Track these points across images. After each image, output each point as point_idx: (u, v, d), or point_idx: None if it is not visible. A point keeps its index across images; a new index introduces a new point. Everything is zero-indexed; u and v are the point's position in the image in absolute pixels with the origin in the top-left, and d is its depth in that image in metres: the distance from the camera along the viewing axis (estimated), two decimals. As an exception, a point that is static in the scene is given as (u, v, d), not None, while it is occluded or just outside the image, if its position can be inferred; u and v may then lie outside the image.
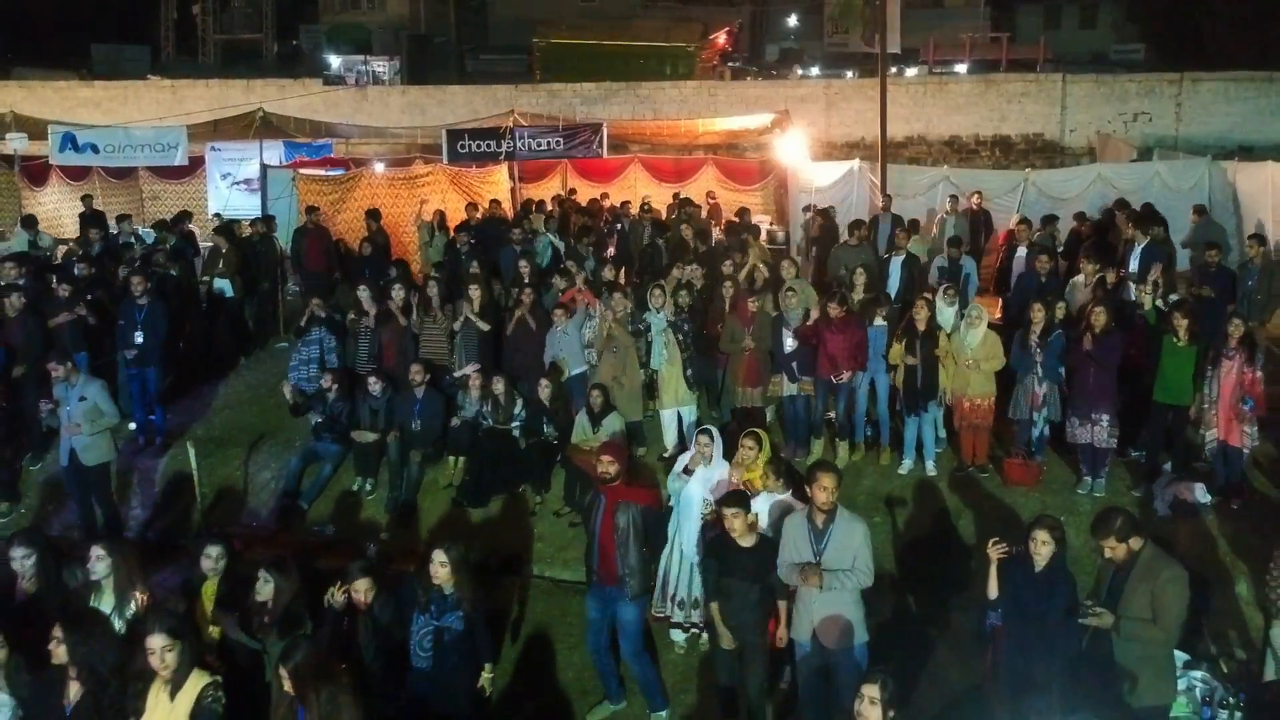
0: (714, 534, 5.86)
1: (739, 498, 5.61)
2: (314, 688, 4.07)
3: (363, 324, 9.66)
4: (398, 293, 9.61)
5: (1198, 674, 5.66)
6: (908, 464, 8.68)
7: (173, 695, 4.16)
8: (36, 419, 8.53)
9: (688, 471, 6.48)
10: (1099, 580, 5.15)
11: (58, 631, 4.22)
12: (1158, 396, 7.97)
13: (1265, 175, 15.21)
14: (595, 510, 5.96)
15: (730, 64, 33.35)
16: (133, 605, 5.00)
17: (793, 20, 41.88)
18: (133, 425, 9.68)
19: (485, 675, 5.45)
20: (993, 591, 5.20)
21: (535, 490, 8.78)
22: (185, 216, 14.25)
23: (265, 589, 5.12)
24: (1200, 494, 7.70)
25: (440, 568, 5.22)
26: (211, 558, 5.52)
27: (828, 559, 5.30)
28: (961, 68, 32.01)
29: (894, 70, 30.57)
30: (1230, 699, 5.41)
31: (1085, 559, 6.79)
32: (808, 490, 5.49)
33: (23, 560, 5.19)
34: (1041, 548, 5.00)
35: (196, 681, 4.19)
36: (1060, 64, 30.37)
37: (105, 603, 5.03)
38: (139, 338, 9.18)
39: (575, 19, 36.75)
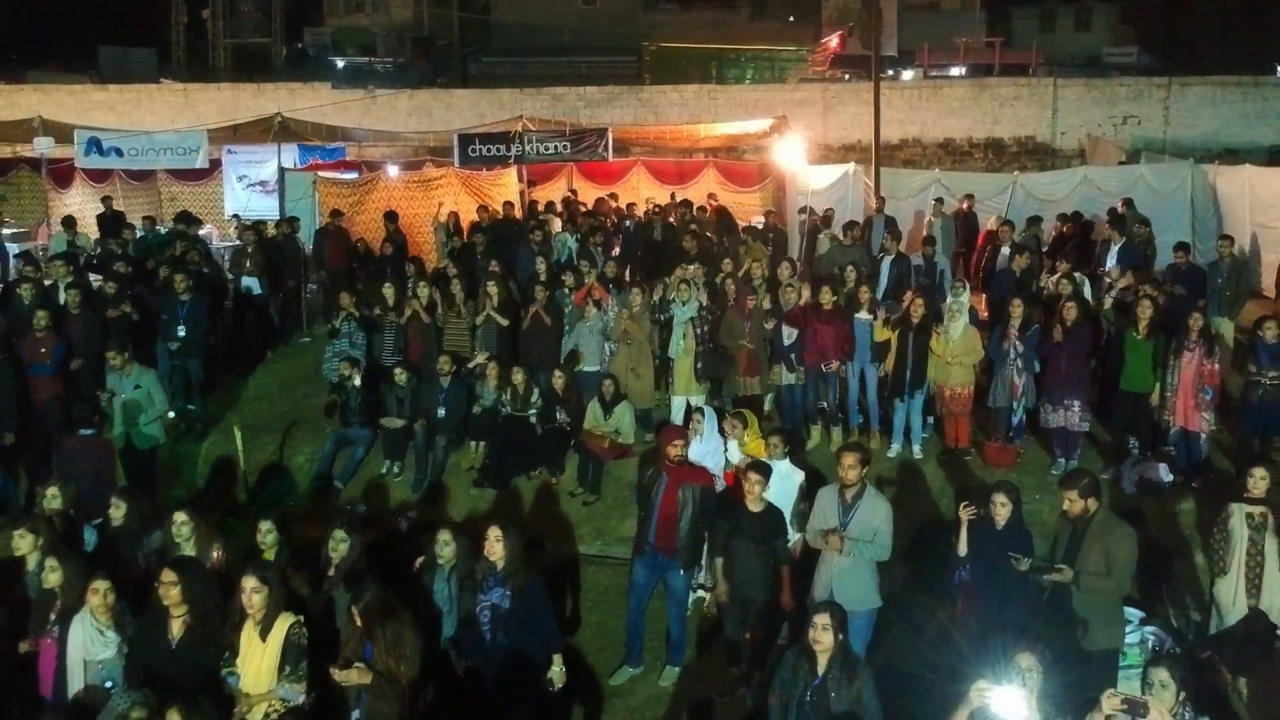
0: (725, 498, 6.53)
1: (762, 467, 6.32)
2: (380, 624, 4.74)
3: (388, 319, 10.34)
4: (423, 290, 10.30)
5: (1150, 629, 6.36)
6: (896, 447, 9.37)
7: (263, 635, 4.84)
8: (95, 408, 9.19)
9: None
10: (1056, 540, 5.86)
11: (168, 575, 4.90)
12: (1123, 385, 8.67)
13: (1243, 178, 15.94)
14: (657, 487, 6.55)
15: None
16: (210, 562, 5.68)
17: (790, 20, 42.49)
18: (172, 414, 10.34)
19: (554, 668, 5.55)
20: (962, 549, 5.91)
21: (551, 473, 9.46)
22: (186, 218, 14.78)
23: (341, 547, 5.75)
24: (1164, 474, 8.40)
25: (495, 543, 5.49)
26: (262, 531, 6.12)
27: (852, 529, 5.98)
28: (958, 70, 32.64)
29: (889, 73, 31.27)
30: (1176, 649, 6.09)
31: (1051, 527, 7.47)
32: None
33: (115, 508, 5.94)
34: (1000, 509, 5.74)
35: (284, 622, 4.87)
36: (1053, 67, 31.07)
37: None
38: (181, 331, 9.87)
39: (679, 26, 37.14)
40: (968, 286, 9.88)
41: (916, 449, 9.34)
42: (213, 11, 37.31)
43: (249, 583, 4.83)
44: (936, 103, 26.49)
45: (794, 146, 17.11)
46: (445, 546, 5.71)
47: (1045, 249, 12.67)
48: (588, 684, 6.66)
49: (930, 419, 9.62)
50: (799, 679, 4.73)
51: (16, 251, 13.28)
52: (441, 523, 6.45)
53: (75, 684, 4.98)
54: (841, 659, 4.69)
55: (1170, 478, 8.39)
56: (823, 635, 4.66)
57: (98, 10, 39.06)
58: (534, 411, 9.62)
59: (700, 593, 7.45)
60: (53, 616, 5.20)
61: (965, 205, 14.49)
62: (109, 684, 4.91)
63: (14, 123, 20.04)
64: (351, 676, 4.69)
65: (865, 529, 5.95)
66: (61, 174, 18.65)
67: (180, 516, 5.81)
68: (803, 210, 15.10)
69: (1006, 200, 15.90)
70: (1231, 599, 6.11)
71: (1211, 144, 24.54)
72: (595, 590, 7.64)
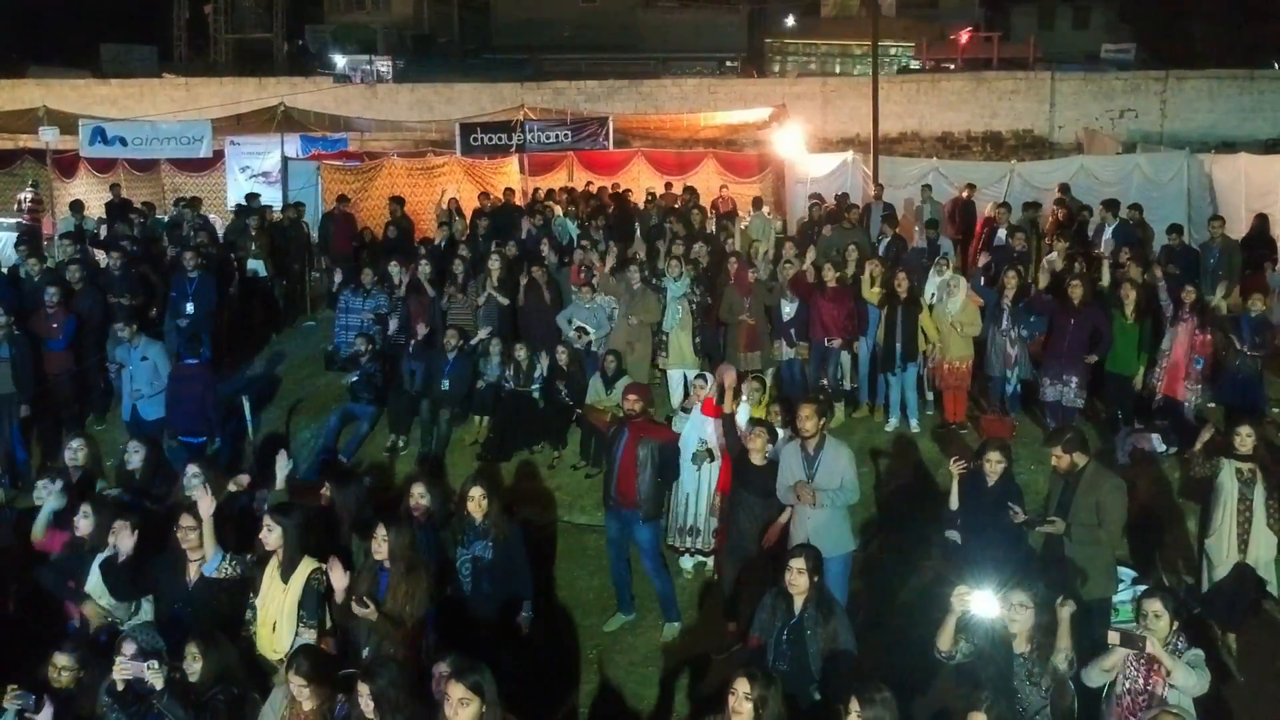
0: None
1: (767, 426, 6.54)
2: (402, 558, 4.89)
3: (394, 296, 10.48)
4: (424, 267, 10.45)
5: (1142, 588, 6.49)
6: (893, 422, 9.51)
7: (285, 577, 4.99)
8: (99, 381, 9.34)
9: (685, 409, 7.32)
10: (1049, 495, 6.00)
11: (186, 520, 5.06)
12: (1109, 367, 8.87)
13: (1238, 167, 16.12)
14: (618, 442, 6.77)
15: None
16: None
17: (790, 21, 42.70)
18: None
19: (524, 613, 5.79)
20: (954, 503, 6.07)
21: (553, 446, 9.58)
22: (192, 202, 14.93)
23: (333, 494, 6.02)
24: (1156, 444, 8.54)
25: (471, 500, 5.80)
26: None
27: (819, 480, 6.14)
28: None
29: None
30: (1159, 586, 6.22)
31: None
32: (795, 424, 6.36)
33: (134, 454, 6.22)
34: (996, 466, 5.88)
35: (306, 567, 5.03)
36: (1051, 62, 31.23)
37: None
38: (190, 308, 10.01)
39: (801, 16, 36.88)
40: (952, 262, 10.04)
41: (914, 423, 9.48)
42: (214, 7, 37.45)
43: (269, 519, 4.98)
44: (935, 96, 26.69)
45: (793, 135, 17.26)
46: (422, 498, 5.89)
47: (1042, 235, 12.82)
48: (583, 639, 6.91)
49: (930, 395, 9.78)
50: (777, 620, 4.91)
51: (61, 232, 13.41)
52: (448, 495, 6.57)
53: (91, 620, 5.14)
54: (817, 600, 4.86)
55: (1163, 448, 8.53)
56: (798, 578, 4.83)
57: (99, 8, 39.19)
58: (536, 387, 9.77)
59: (700, 559, 7.59)
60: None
61: (965, 193, 14.63)
62: (117, 624, 5.07)
63: (18, 112, 20.18)
64: (371, 615, 4.82)
65: (831, 477, 6.11)
66: (66, 164, 18.79)
67: (193, 469, 5.98)
68: (815, 197, 15.16)
69: (1004, 189, 16.05)
70: (1223, 554, 6.25)
71: (1208, 137, 24.70)
72: (597, 556, 7.78)
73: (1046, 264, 10.37)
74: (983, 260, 11.09)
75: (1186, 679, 4.29)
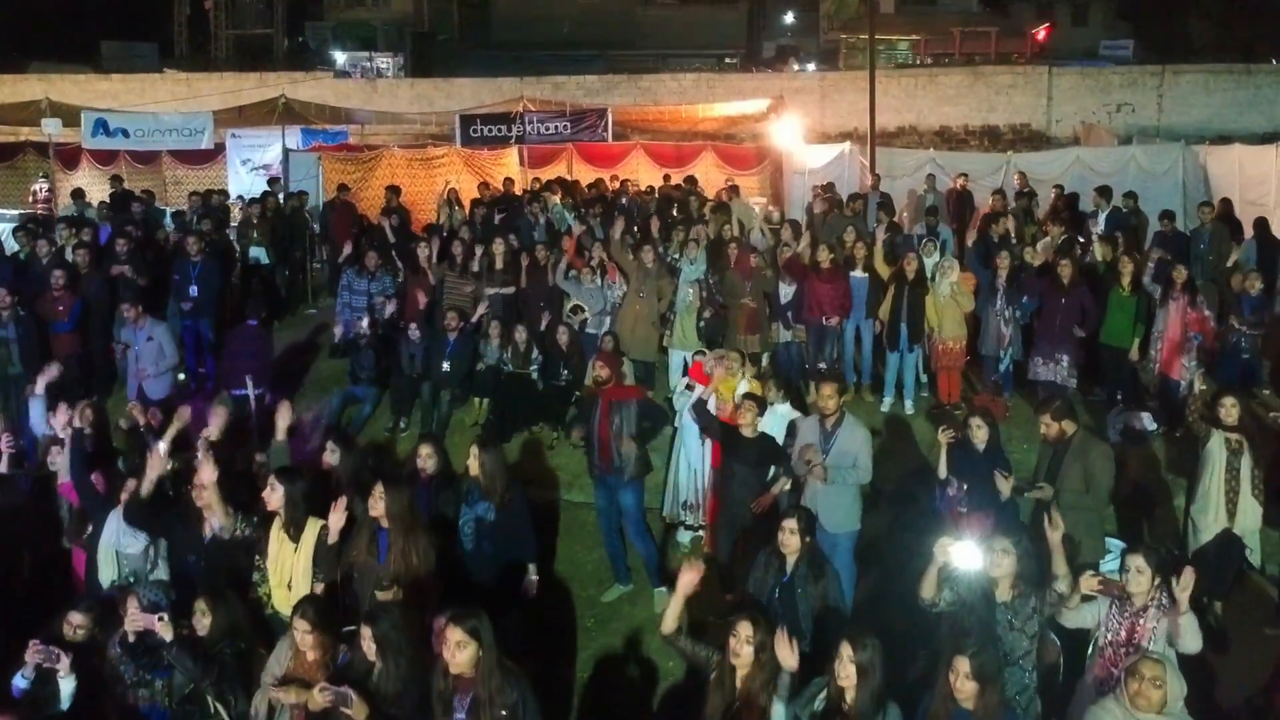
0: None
1: (755, 398, 6.71)
2: (399, 517, 5.02)
3: (396, 279, 10.62)
4: (422, 250, 10.59)
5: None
6: (888, 402, 9.66)
7: (294, 538, 5.13)
8: (104, 361, 9.46)
9: (689, 388, 7.45)
10: (1039, 462, 6.13)
11: (199, 480, 5.19)
12: (1103, 339, 9.03)
13: (1233, 157, 16.28)
14: (593, 412, 6.94)
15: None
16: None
17: (789, 18, 42.89)
18: (181, 376, 10.59)
19: (530, 576, 5.99)
20: (942, 471, 6.20)
21: (552, 428, 9.72)
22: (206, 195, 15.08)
23: (333, 458, 6.18)
24: (1147, 422, 8.68)
25: (474, 460, 5.94)
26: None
27: (832, 457, 6.27)
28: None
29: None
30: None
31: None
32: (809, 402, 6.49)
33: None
34: (978, 432, 6.02)
35: (314, 526, 5.17)
36: (1049, 57, 31.33)
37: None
38: (194, 291, 10.13)
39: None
40: (940, 246, 10.19)
41: (909, 404, 9.61)
42: (215, 3, 37.57)
43: (273, 480, 5.12)
44: (933, 90, 26.77)
45: (791, 127, 17.38)
46: (429, 459, 6.02)
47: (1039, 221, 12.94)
48: (582, 609, 7.08)
49: (925, 377, 9.91)
50: (769, 578, 5.02)
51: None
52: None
53: (106, 573, 5.28)
54: (809, 559, 4.98)
55: (1154, 426, 8.68)
56: (790, 538, 4.95)
57: (99, 5, 39.32)
58: (535, 369, 9.89)
59: (697, 532, 7.72)
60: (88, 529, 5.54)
61: (959, 183, 14.74)
62: (132, 579, 5.20)
63: (21, 105, 20.36)
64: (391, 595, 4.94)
65: (845, 455, 6.23)
66: (68, 156, 18.93)
67: (202, 441, 6.13)
68: (827, 188, 15.21)
69: (1000, 180, 16.17)
70: (1210, 521, 6.37)
71: (1204, 130, 24.73)
72: (595, 532, 7.86)
73: (1040, 248, 10.52)
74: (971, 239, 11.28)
75: (1191, 636, 4.36)
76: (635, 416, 6.85)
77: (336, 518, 5.01)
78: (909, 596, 6.13)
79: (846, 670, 4.00)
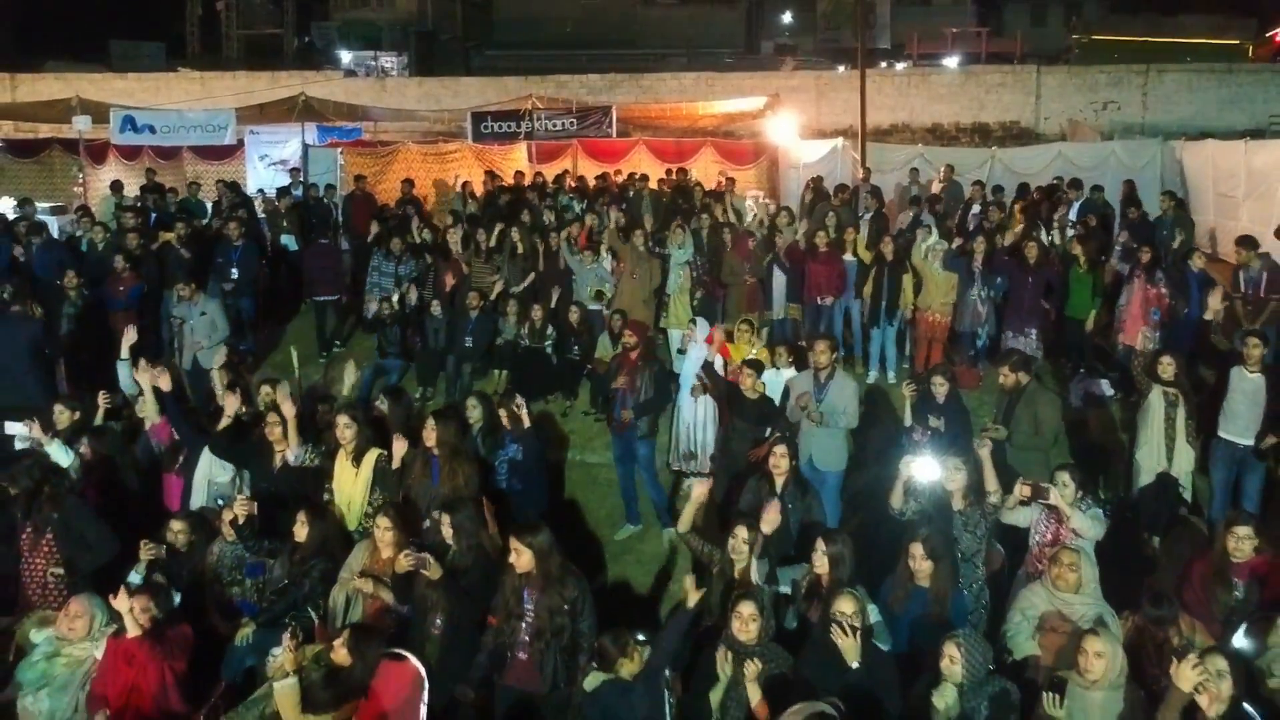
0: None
1: (755, 364, 7.61)
2: (447, 444, 5.92)
3: (421, 261, 11.55)
4: (451, 237, 11.49)
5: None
6: (873, 374, 10.56)
7: (356, 463, 6.03)
8: (156, 336, 10.38)
9: (681, 351, 8.36)
10: (998, 408, 7.03)
11: (273, 417, 6.10)
12: (1067, 313, 10.04)
13: (1206, 152, 17.14)
14: (618, 372, 7.85)
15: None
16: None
17: (787, 17, 43.78)
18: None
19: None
20: (907, 419, 7.11)
21: (565, 397, 10.64)
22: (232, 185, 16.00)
23: (384, 408, 7.14)
24: (1105, 388, 9.58)
25: (509, 411, 6.96)
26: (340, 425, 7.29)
27: (825, 405, 7.17)
28: (951, 61, 33.75)
29: (883, 65, 32.47)
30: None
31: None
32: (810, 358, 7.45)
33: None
34: (938, 388, 6.94)
35: (373, 454, 6.07)
36: (1038, 57, 32.19)
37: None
38: (235, 273, 11.03)
39: (1105, 13, 37.31)
40: (935, 230, 11.07)
41: (891, 375, 10.51)
42: (226, 3, 38.42)
43: (341, 419, 6.01)
44: (925, 89, 27.64)
45: (787, 123, 18.27)
46: (474, 410, 6.93)
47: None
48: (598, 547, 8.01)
49: (908, 350, 10.80)
50: (760, 499, 5.91)
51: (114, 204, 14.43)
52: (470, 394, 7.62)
53: (198, 500, 6.19)
54: (795, 480, 5.88)
55: (1111, 392, 9.57)
56: (781, 461, 5.86)
57: (108, 6, 40.12)
58: (549, 344, 10.80)
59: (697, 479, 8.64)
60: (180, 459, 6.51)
61: (945, 175, 15.60)
62: (220, 501, 6.11)
63: (50, 103, 21.21)
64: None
65: (836, 403, 7.12)
66: (96, 151, 19.80)
67: (265, 389, 7.04)
68: (816, 180, 15.99)
69: (986, 174, 17.06)
70: (1151, 463, 7.25)
71: (1188, 128, 25.54)
72: (607, 485, 8.80)
73: (1011, 235, 11.41)
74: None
75: (1083, 523, 5.32)
76: (657, 379, 7.76)
77: (400, 445, 5.92)
78: (886, 533, 7.08)
79: (821, 561, 4.90)
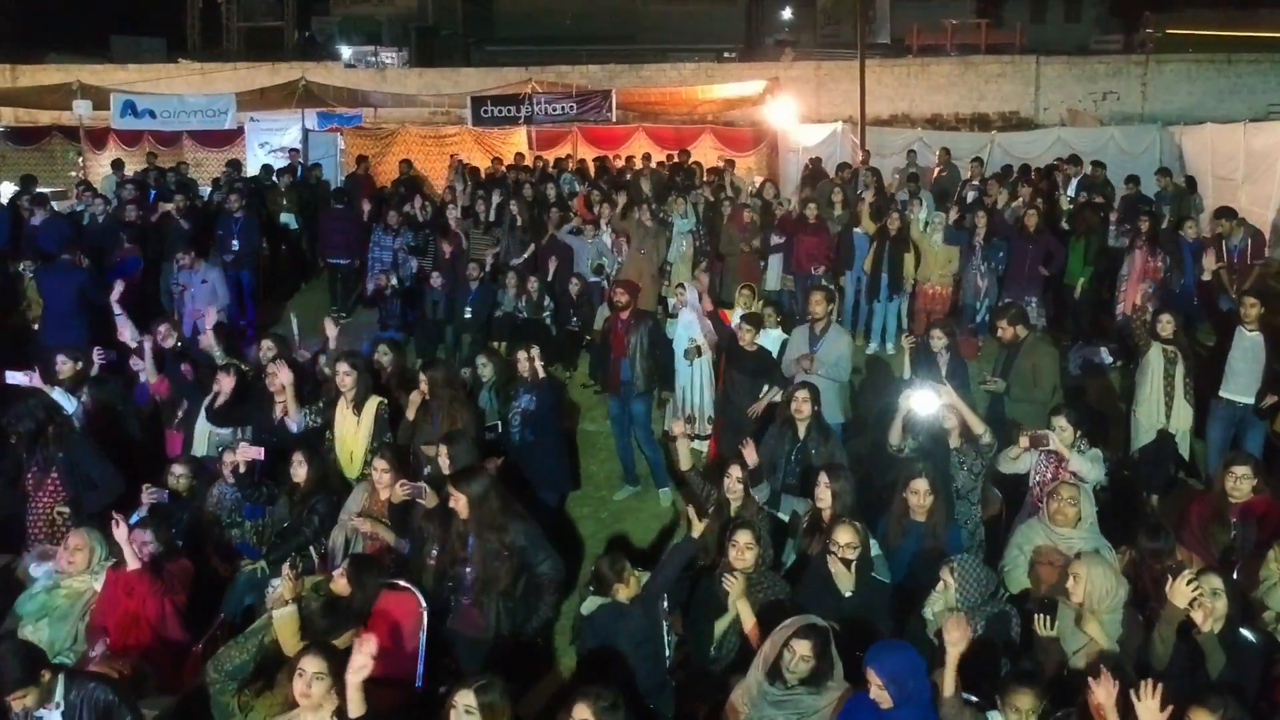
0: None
1: (754, 318, 7.65)
2: (447, 387, 5.95)
3: (421, 233, 11.59)
4: (451, 212, 11.52)
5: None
6: (873, 345, 10.59)
7: (356, 410, 6.07)
8: (157, 306, 10.42)
9: (672, 315, 8.42)
10: (997, 361, 7.05)
11: (276, 368, 6.12)
12: (1065, 280, 10.17)
13: (1205, 137, 17.17)
14: (611, 331, 7.87)
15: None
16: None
17: (787, 13, 43.82)
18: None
19: None
20: (905, 372, 7.15)
21: (565, 368, 10.66)
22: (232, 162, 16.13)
23: (385, 359, 7.12)
24: (1104, 356, 9.60)
25: (524, 361, 7.03)
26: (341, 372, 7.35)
27: (819, 356, 7.20)
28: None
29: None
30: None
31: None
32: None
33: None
34: (937, 342, 6.96)
35: (373, 402, 6.11)
36: (1039, 50, 32.18)
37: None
38: (236, 245, 11.07)
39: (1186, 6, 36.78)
40: (931, 203, 11.11)
41: (889, 347, 10.54)
42: (226, -3, 38.48)
43: (341, 366, 6.04)
44: (924, 80, 27.65)
45: (786, 107, 18.30)
46: (485, 367, 6.95)
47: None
48: (597, 506, 8.07)
49: (907, 324, 10.81)
50: (784, 444, 5.93)
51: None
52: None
53: (199, 450, 6.22)
54: (816, 425, 5.89)
55: (1110, 359, 9.60)
56: (803, 405, 5.88)
57: (107, 1, 40.13)
58: (548, 315, 10.82)
59: (698, 443, 8.65)
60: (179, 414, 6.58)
61: (942, 157, 15.65)
62: (221, 448, 6.14)
63: (51, 87, 21.26)
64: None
65: (829, 355, 7.16)
66: (96, 137, 19.86)
67: (266, 343, 7.06)
68: (814, 161, 16.00)
69: (985, 158, 17.08)
70: (1151, 420, 7.27)
71: (1187, 118, 25.43)
72: (606, 450, 8.83)
73: (1013, 208, 11.45)
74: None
75: (1081, 464, 5.34)
76: (651, 337, 7.79)
77: (416, 394, 5.96)
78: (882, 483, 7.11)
79: (824, 494, 4.92)
